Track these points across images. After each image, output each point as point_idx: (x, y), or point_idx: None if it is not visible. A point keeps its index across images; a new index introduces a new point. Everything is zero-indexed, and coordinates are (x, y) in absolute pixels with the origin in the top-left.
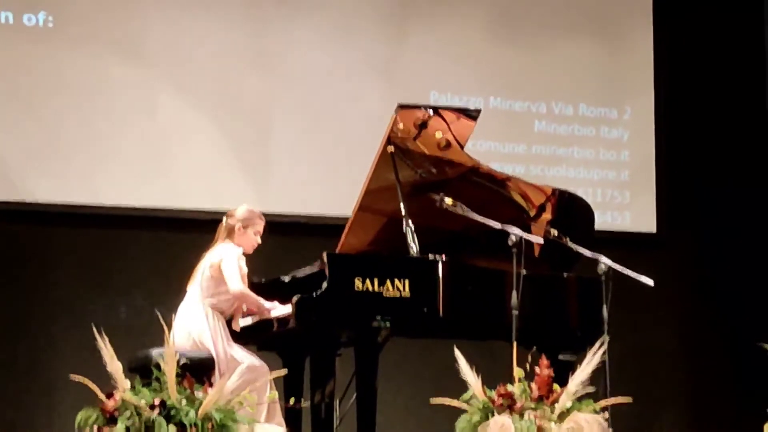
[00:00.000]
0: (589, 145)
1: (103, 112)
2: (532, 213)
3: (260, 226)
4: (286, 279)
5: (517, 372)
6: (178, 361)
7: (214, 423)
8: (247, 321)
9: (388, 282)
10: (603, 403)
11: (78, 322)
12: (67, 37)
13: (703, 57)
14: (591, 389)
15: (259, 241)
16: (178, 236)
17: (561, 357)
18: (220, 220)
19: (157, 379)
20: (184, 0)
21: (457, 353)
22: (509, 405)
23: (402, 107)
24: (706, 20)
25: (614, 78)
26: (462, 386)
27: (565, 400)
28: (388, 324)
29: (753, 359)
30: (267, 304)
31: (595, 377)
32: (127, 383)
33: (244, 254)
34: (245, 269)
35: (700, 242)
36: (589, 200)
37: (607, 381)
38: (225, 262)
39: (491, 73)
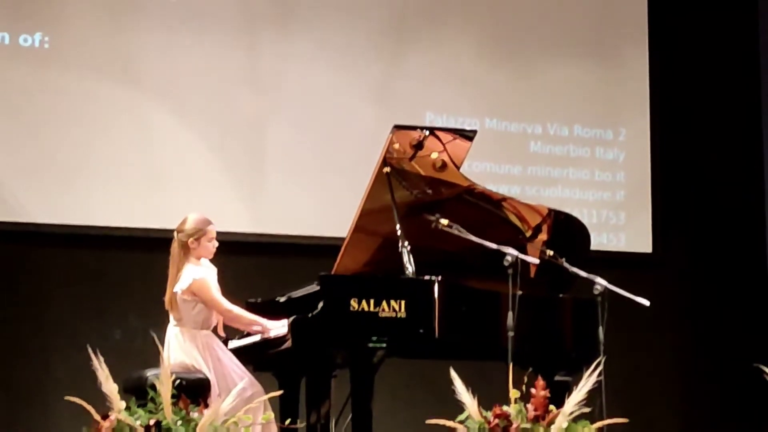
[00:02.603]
0: (585, 166)
1: (98, 132)
2: (528, 234)
3: (212, 231)
4: (282, 299)
5: (513, 393)
6: (173, 382)
7: None
8: (242, 342)
9: (384, 303)
10: (599, 424)
11: (73, 344)
12: (63, 58)
13: (698, 78)
14: (587, 410)
15: (216, 244)
16: None
17: (557, 378)
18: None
19: (153, 400)
20: (179, 21)
21: (453, 374)
22: (505, 426)
23: (398, 128)
24: (700, 42)
25: (609, 99)
26: (458, 407)
27: (561, 421)
28: (383, 345)
29: (749, 380)
30: (270, 323)
31: (591, 398)
32: (123, 404)
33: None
34: (216, 283)
35: (695, 263)
36: (585, 221)
37: (603, 402)
38: (203, 293)
39: (487, 94)
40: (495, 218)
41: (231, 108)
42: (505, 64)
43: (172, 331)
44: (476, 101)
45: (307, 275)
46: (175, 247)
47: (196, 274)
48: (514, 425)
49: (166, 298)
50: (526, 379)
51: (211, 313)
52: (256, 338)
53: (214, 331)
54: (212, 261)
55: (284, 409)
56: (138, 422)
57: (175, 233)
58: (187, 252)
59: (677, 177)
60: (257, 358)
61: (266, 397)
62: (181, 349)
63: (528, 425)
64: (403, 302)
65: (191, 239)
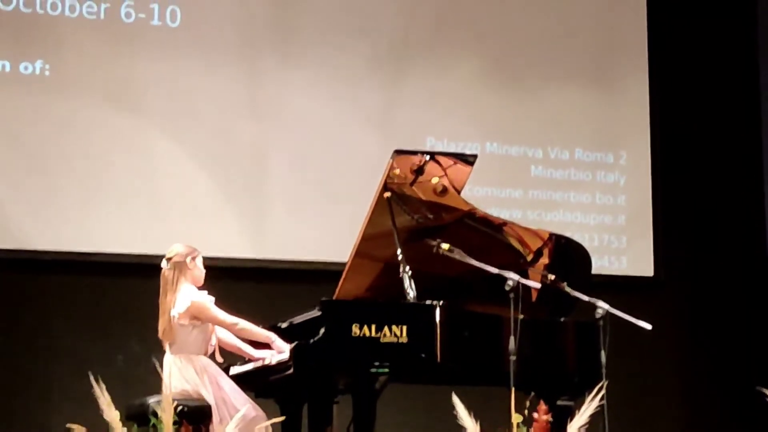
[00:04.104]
0: (586, 189)
1: (99, 159)
2: (529, 258)
3: (200, 254)
4: (284, 325)
5: (516, 418)
6: (175, 409)
7: None
8: (242, 368)
9: (386, 328)
10: None
11: (75, 371)
12: (64, 85)
13: (698, 102)
14: None
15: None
16: None
17: (559, 402)
18: (217, 268)
19: (155, 427)
20: (179, 48)
21: (455, 399)
22: None
23: (398, 153)
24: (700, 66)
25: (610, 123)
26: None
27: None
28: (386, 370)
29: (751, 403)
30: (277, 342)
31: (594, 422)
32: (125, 431)
33: (199, 287)
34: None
35: (697, 286)
36: (586, 245)
37: (606, 425)
38: (204, 312)
39: (488, 118)
40: (496, 242)
41: (232, 135)
42: (506, 89)
43: (170, 358)
44: (477, 126)
45: (309, 301)
46: (167, 275)
47: (193, 296)
48: None
49: (160, 327)
50: (528, 403)
51: (207, 338)
52: (258, 364)
53: (213, 357)
54: (212, 287)
55: None
56: None
57: (165, 262)
58: (183, 273)
59: (678, 200)
60: (259, 384)
61: (269, 423)
62: (181, 375)
63: None
64: (404, 327)
65: (188, 258)
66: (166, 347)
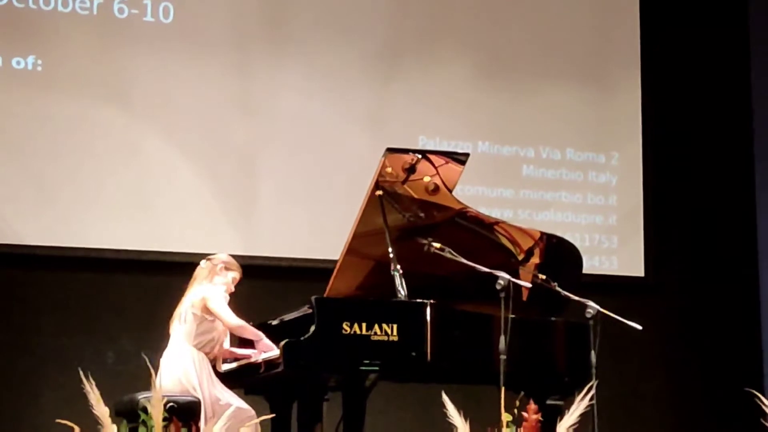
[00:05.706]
0: (577, 189)
1: (90, 155)
2: (520, 257)
3: (239, 273)
4: (274, 323)
5: (505, 417)
6: (164, 405)
7: None
8: (231, 366)
9: (376, 326)
10: None
11: (65, 367)
12: (56, 81)
13: (690, 102)
14: None
15: (233, 288)
16: (165, 280)
17: (549, 401)
18: None
19: (144, 423)
20: (171, 45)
21: (445, 398)
22: None
23: (390, 151)
24: (692, 67)
25: (602, 123)
26: (450, 431)
27: None
28: (375, 368)
29: (741, 404)
30: (264, 341)
31: (583, 422)
32: (114, 427)
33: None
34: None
35: (688, 287)
36: (577, 245)
37: (595, 426)
38: (212, 301)
39: (480, 118)
40: (487, 242)
41: (223, 132)
42: (498, 89)
43: (173, 347)
44: (469, 125)
45: (299, 298)
46: (198, 271)
47: (210, 290)
48: None
49: (173, 317)
50: (518, 402)
51: (214, 339)
52: (248, 361)
53: (213, 366)
54: None
55: None
56: None
57: (204, 260)
58: (211, 274)
59: (670, 201)
60: (248, 381)
61: (258, 420)
62: (177, 365)
63: None
64: (395, 326)
65: (221, 266)
66: (171, 337)
